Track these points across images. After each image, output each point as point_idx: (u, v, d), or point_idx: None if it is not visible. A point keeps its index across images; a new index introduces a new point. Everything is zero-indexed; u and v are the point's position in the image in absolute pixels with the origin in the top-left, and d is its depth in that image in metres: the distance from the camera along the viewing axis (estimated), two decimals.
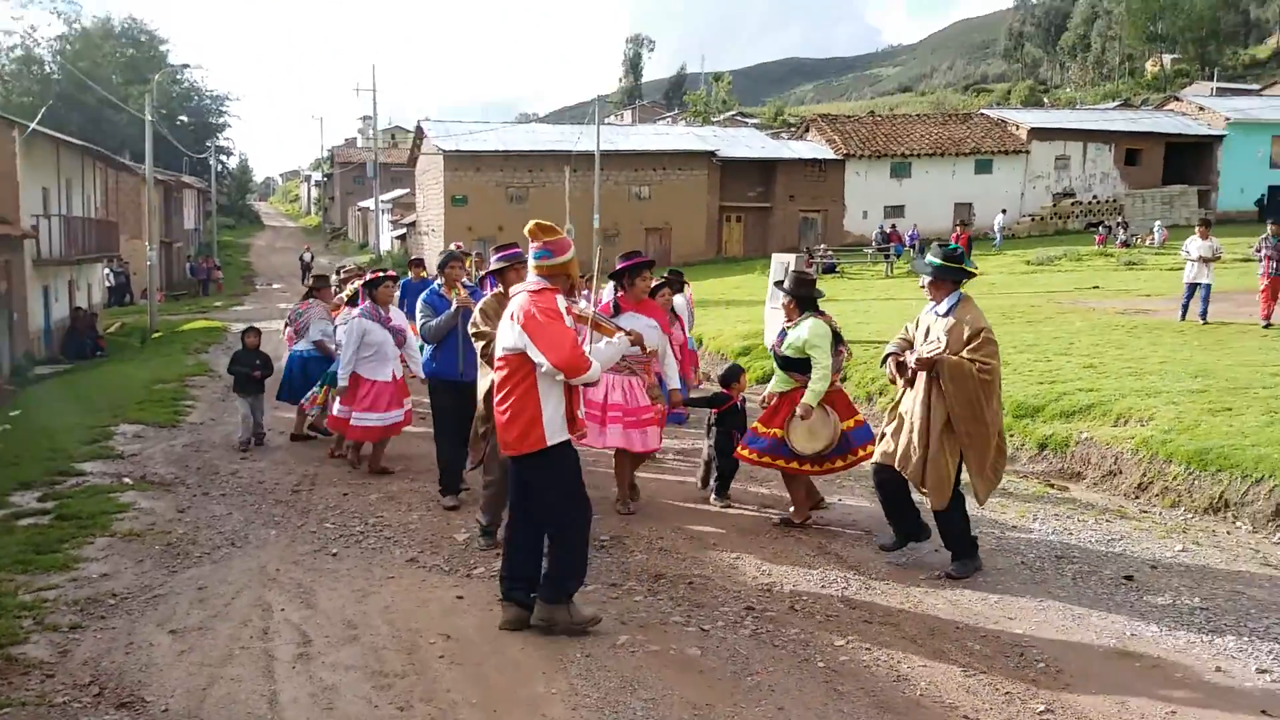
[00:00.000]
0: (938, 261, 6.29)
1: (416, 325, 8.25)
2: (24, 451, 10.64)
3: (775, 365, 7.57)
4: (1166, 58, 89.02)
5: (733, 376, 8.63)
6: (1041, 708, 4.53)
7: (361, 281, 10.04)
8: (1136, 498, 8.53)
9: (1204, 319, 15.84)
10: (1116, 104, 62.78)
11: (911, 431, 6.15)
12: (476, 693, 4.68)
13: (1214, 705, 4.55)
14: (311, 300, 11.44)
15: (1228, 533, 7.45)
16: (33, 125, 23.52)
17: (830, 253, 37.34)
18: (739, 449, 7.61)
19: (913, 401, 6.20)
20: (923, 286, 6.41)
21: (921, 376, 6.13)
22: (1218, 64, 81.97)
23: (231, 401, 11.91)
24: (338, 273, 13.56)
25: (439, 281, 8.22)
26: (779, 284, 8.01)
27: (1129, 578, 6.22)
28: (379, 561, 6.68)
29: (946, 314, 6.21)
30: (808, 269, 14.42)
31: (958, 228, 27.75)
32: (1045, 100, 77.77)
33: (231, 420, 11.70)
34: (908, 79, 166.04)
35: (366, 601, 5.90)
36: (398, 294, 9.78)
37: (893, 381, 6.49)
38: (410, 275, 12.37)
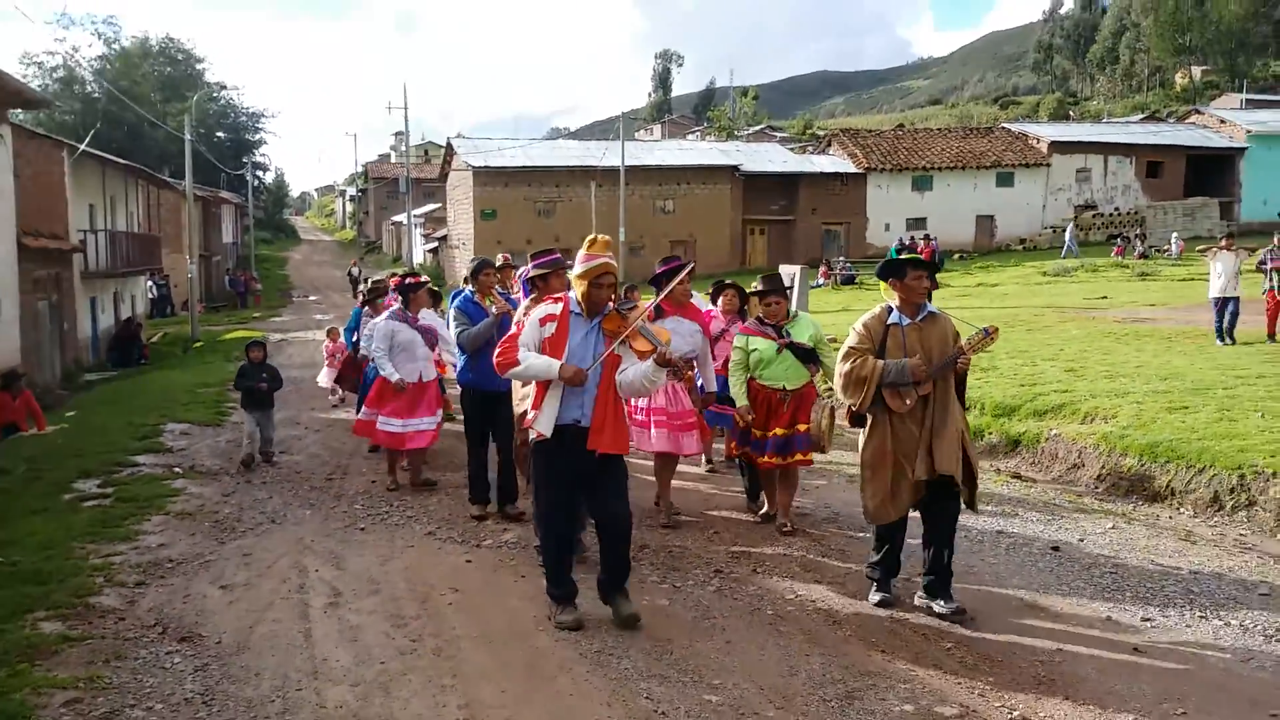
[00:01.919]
0: (911, 256, 6.19)
1: (451, 333, 8.25)
2: (83, 446, 11.66)
3: (782, 360, 7.53)
4: (1196, 70, 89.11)
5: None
6: (950, 645, 5.39)
7: (395, 285, 9.96)
8: (1096, 488, 9.30)
9: (1231, 336, 15.16)
10: (1142, 116, 63.11)
11: (942, 438, 5.77)
12: (477, 629, 5.62)
13: (1096, 644, 5.39)
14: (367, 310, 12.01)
15: (1170, 517, 8.22)
16: (82, 147, 24.81)
17: (849, 265, 38.10)
18: (765, 457, 7.54)
19: (932, 411, 5.82)
20: (916, 286, 5.96)
21: (938, 383, 5.86)
22: (1247, 75, 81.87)
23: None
24: (366, 282, 14.57)
25: (471, 289, 8.20)
26: (759, 293, 8.01)
27: (1055, 548, 7.06)
28: (401, 535, 7.64)
29: (928, 318, 5.99)
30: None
31: (922, 241, 28.87)
32: (1072, 113, 78.07)
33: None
34: (938, 91, 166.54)
35: (388, 564, 6.86)
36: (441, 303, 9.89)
37: (904, 400, 5.85)
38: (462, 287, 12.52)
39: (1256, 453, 8.42)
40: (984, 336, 5.78)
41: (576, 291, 5.70)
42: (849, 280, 35.79)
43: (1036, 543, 7.23)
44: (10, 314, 19.72)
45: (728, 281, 9.50)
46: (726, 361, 9.05)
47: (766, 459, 7.54)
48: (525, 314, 5.97)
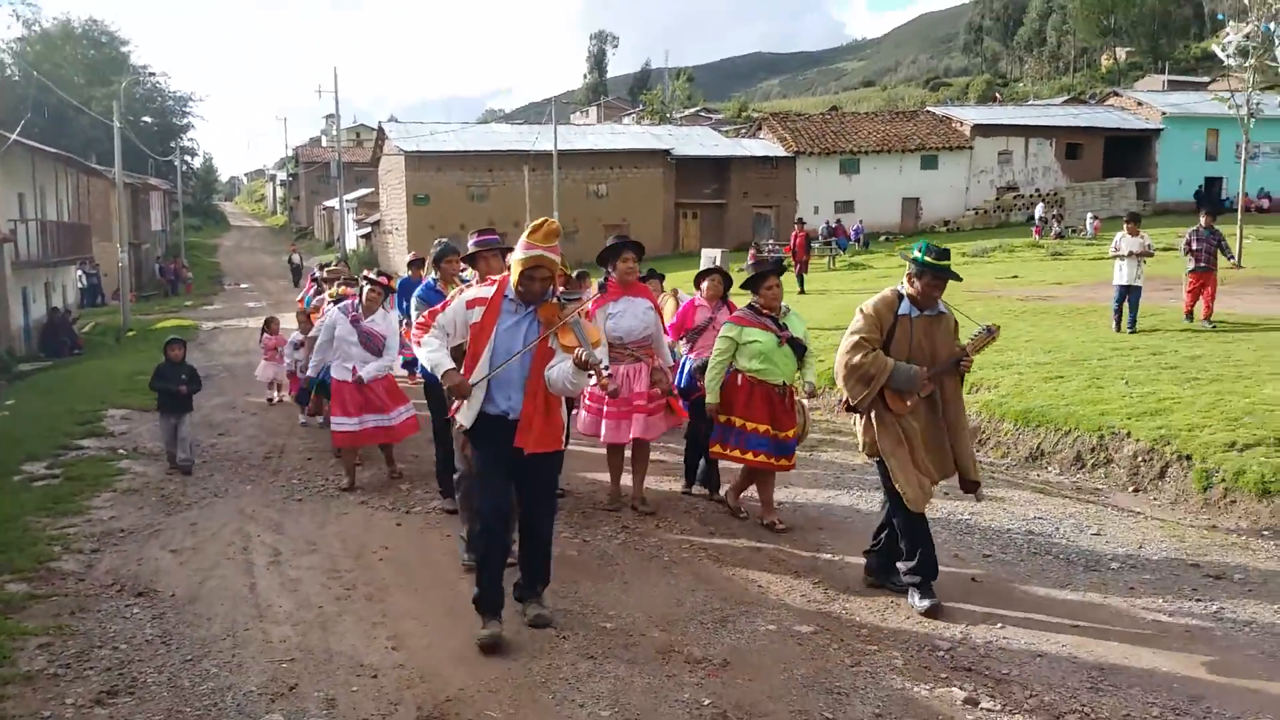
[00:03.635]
0: (946, 264, 5.69)
1: (412, 324, 7.46)
2: (25, 432, 12.11)
3: (784, 353, 7.25)
4: (1121, 51, 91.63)
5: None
6: (818, 579, 6.23)
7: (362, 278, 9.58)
8: (977, 450, 10.22)
9: (1133, 329, 14.16)
10: (1067, 98, 64.93)
11: (954, 434, 5.80)
12: (404, 579, 6.35)
13: (941, 576, 6.23)
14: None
15: (1037, 475, 9.16)
16: (13, 137, 24.82)
17: (778, 247, 39.08)
18: (760, 456, 7.20)
19: (940, 407, 5.78)
20: (935, 291, 5.67)
21: (947, 381, 5.78)
22: (1169, 57, 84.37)
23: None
24: (320, 269, 14.93)
25: (434, 277, 7.84)
26: (754, 278, 7.51)
27: None
28: (335, 504, 8.32)
29: (936, 314, 5.79)
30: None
31: (795, 226, 28.14)
32: (999, 95, 79.96)
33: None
34: (872, 73, 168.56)
35: (325, 529, 7.55)
36: (394, 296, 9.77)
37: (905, 403, 5.66)
38: (409, 274, 12.11)
39: (1115, 416, 9.39)
40: (987, 335, 5.64)
41: (511, 278, 5.30)
42: (776, 263, 36.71)
43: None
44: None
45: (713, 267, 9.18)
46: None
47: (762, 459, 7.17)
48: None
